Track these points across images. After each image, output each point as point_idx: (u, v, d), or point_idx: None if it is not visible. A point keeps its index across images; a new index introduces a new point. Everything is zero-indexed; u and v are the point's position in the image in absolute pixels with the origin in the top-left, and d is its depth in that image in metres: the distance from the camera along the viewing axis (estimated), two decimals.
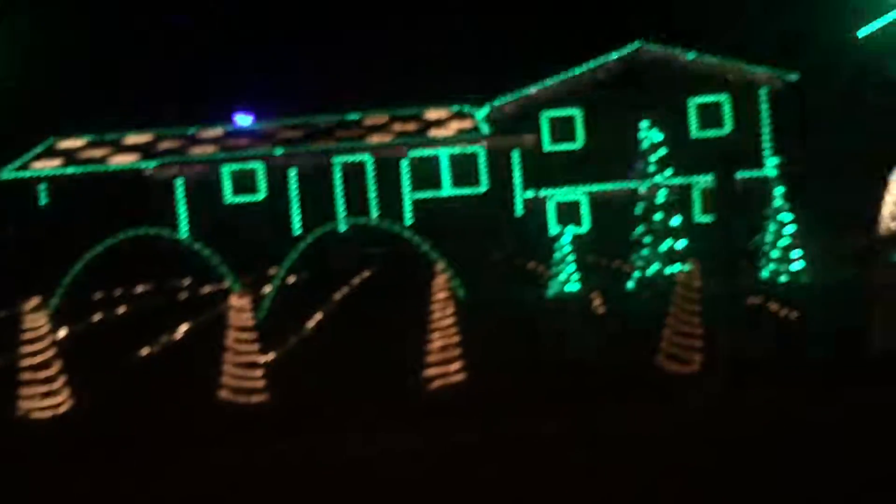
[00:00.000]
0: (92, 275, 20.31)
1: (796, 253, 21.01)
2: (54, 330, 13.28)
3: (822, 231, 27.74)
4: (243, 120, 38.41)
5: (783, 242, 20.87)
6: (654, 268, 21.24)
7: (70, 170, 34.99)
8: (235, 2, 46.53)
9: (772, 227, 21.02)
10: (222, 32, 45.51)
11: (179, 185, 34.69)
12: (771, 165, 21.67)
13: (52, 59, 39.63)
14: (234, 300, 12.58)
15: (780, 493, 7.80)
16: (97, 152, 36.60)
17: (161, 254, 27.54)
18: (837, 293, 18.37)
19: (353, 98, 39.36)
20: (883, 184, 29.77)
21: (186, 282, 27.93)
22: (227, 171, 35.24)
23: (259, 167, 35.31)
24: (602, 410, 10.77)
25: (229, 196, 35.23)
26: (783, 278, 20.55)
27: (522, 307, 19.59)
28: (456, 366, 12.59)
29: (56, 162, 35.75)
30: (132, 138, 38.07)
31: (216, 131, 38.45)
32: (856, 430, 9.49)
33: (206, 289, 25.87)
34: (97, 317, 21.64)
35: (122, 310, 23.08)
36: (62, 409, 12.17)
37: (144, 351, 16.66)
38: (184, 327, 18.71)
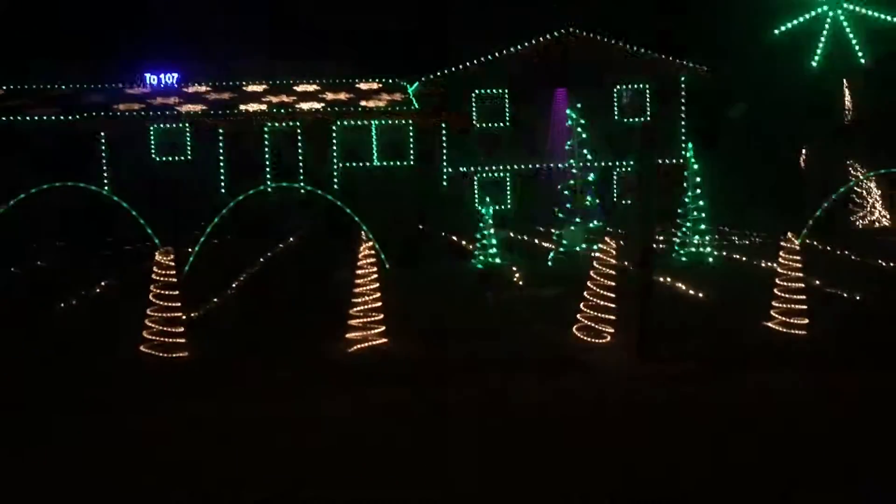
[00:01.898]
0: (12, 229, 19.99)
1: (708, 234, 21.99)
2: None
3: (734, 215, 28.98)
4: (154, 79, 37.54)
5: (697, 225, 21.77)
6: (573, 244, 21.94)
7: None
8: None
9: (686, 210, 21.90)
10: None
11: (103, 142, 34.08)
12: (687, 152, 22.53)
13: None
14: (159, 256, 12.69)
15: (690, 455, 8.38)
16: (15, 103, 35.57)
17: (85, 209, 27.14)
18: (742, 274, 19.37)
19: (284, 64, 39.03)
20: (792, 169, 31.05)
21: (110, 238, 27.56)
22: (153, 129, 34.74)
23: (186, 127, 34.93)
24: (518, 378, 11.27)
25: (155, 155, 34.78)
26: (694, 258, 21.47)
27: (445, 277, 20.03)
28: (378, 331, 12.96)
29: None
30: (54, 91, 37.10)
31: (142, 88, 37.74)
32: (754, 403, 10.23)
33: (130, 245, 25.59)
34: (14, 269, 21.30)
35: (42, 263, 22.74)
36: None
37: (65, 304, 16.57)
38: (106, 282, 18.62)
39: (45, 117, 34.28)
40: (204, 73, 38.57)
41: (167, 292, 12.56)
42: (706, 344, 12.98)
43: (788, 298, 13.33)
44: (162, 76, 37.81)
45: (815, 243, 22.49)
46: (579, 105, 23.36)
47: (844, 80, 34.36)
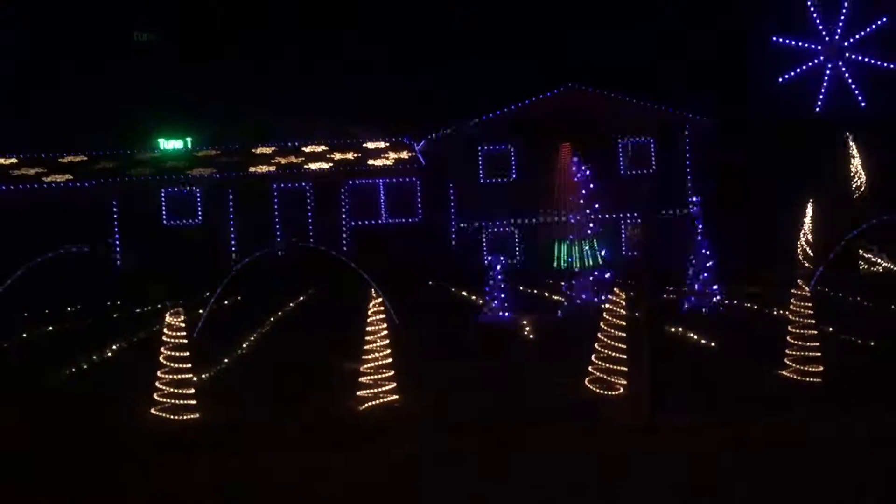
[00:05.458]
0: (25, 293, 20.11)
1: (715, 285, 21.90)
2: None
3: (741, 265, 28.90)
4: (169, 143, 38.07)
5: (703, 275, 21.71)
6: (582, 297, 21.89)
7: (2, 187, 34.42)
8: (176, 26, 46.34)
9: (693, 261, 21.86)
10: (160, 56, 45.29)
11: (115, 207, 34.38)
12: (692, 204, 22.55)
13: None
14: (169, 318, 12.71)
15: None
16: (30, 171, 36.03)
17: (95, 273, 27.31)
18: (752, 323, 19.24)
19: (291, 127, 39.54)
20: (797, 221, 31.20)
21: (121, 301, 27.65)
22: (164, 193, 35.08)
23: (197, 191, 35.26)
24: (530, 432, 11.18)
25: (166, 219, 35.06)
26: (704, 307, 21.36)
27: (456, 332, 19.96)
28: (389, 386, 12.90)
29: None
30: (66, 158, 37.58)
31: (153, 154, 38.18)
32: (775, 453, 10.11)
33: (141, 308, 25.66)
34: (26, 334, 21.35)
35: (54, 328, 22.79)
36: None
37: (76, 368, 16.58)
38: (117, 345, 18.64)
39: (59, 184, 34.81)
40: (213, 136, 39.10)
41: (178, 354, 12.56)
42: (719, 394, 12.86)
43: (802, 346, 13.25)
44: (173, 141, 38.36)
45: (826, 290, 22.37)
46: (585, 157, 23.51)
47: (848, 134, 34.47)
